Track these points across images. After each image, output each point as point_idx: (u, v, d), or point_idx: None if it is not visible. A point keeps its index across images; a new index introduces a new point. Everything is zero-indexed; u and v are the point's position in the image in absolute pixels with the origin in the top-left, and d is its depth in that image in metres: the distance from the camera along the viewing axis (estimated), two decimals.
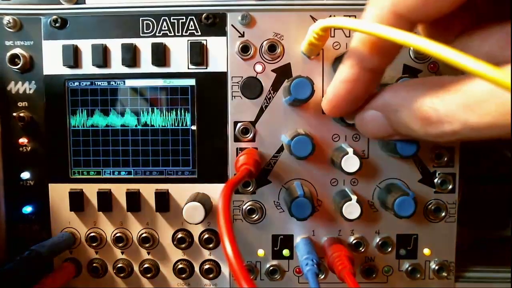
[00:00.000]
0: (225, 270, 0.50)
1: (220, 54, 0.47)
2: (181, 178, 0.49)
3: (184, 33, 0.47)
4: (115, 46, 0.47)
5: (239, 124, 0.47)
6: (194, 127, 0.48)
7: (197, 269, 0.50)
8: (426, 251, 0.49)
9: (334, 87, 0.36)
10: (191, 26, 0.47)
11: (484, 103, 0.25)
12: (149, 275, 0.50)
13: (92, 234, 0.49)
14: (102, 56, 0.47)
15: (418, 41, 0.25)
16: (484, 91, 0.25)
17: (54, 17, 0.47)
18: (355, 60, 0.33)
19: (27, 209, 0.50)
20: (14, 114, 0.48)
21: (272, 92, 0.47)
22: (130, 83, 0.48)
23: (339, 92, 0.35)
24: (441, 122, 0.28)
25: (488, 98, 0.25)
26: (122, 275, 0.50)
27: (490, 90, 0.25)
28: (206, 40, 0.47)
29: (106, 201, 0.49)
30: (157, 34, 0.47)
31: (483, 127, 0.25)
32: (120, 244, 0.49)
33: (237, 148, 0.48)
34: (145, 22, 0.47)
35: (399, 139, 0.38)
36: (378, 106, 0.35)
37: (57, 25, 0.47)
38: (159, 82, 0.48)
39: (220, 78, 0.47)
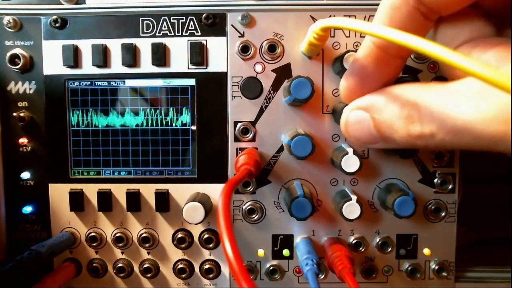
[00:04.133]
0: (225, 270, 0.50)
1: (220, 54, 0.47)
2: (181, 178, 0.49)
3: (184, 33, 0.47)
4: (115, 46, 0.47)
5: (239, 124, 0.47)
6: (194, 127, 0.48)
7: (197, 269, 0.50)
8: (426, 251, 0.49)
9: (352, 64, 0.36)
10: (191, 26, 0.47)
11: (456, 109, 0.27)
12: (149, 275, 0.50)
13: (92, 234, 0.49)
14: (102, 56, 0.47)
15: (418, 42, 0.25)
16: (461, 97, 0.27)
17: (54, 17, 0.47)
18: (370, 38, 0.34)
19: (27, 209, 0.50)
20: (14, 114, 0.48)
21: (272, 92, 0.47)
22: (130, 83, 0.48)
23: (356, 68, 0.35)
24: (421, 121, 0.29)
25: (456, 110, 0.27)
26: (122, 275, 0.50)
27: (462, 101, 0.26)
28: (206, 40, 0.47)
29: (106, 201, 0.49)
30: (157, 34, 0.47)
31: (456, 131, 0.27)
32: (120, 244, 0.49)
33: (237, 148, 0.48)
34: (145, 22, 0.47)
35: (381, 147, 0.38)
36: (364, 105, 0.35)
37: (57, 25, 0.47)
38: (159, 82, 0.48)
39: (220, 78, 0.47)
